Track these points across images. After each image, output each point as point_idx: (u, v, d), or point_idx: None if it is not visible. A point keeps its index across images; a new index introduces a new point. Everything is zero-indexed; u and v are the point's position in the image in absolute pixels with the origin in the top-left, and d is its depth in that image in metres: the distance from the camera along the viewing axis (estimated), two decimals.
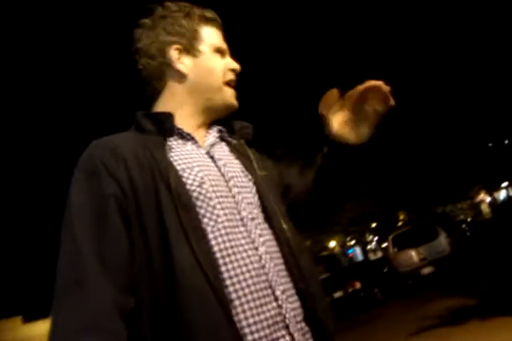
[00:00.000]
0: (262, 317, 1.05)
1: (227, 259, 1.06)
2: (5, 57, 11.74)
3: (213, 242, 1.07)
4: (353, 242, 36.35)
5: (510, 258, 9.99)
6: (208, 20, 1.28)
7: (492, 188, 30.31)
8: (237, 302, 1.04)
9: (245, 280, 1.06)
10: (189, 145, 1.19)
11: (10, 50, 11.77)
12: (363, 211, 20.86)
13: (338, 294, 14.06)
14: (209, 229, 1.08)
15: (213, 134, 1.27)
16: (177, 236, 1.03)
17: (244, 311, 1.04)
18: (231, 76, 1.28)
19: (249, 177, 1.22)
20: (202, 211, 1.09)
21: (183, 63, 1.24)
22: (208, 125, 1.28)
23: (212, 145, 1.24)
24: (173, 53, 1.24)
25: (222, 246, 1.07)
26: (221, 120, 1.30)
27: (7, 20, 11.20)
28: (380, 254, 28.17)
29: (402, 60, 10.67)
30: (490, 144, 17.92)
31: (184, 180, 1.10)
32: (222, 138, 1.29)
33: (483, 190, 31.43)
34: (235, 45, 1.34)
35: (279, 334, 1.06)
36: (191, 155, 1.16)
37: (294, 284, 1.13)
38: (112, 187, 1.06)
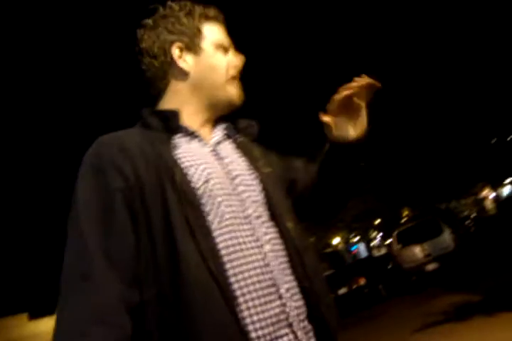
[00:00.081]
0: (266, 314, 1.05)
1: (232, 256, 1.07)
2: (14, 52, 11.80)
3: (218, 239, 1.07)
4: (356, 239, 36.31)
5: None
6: (209, 18, 1.28)
7: (496, 184, 30.21)
8: (241, 300, 1.04)
9: (250, 277, 1.07)
10: (195, 142, 1.20)
11: (20, 46, 11.83)
12: (366, 208, 20.84)
13: (342, 291, 14.07)
14: (214, 226, 1.08)
15: (219, 132, 1.27)
16: (182, 232, 1.03)
17: (248, 308, 1.04)
18: (234, 72, 1.28)
19: (255, 175, 1.22)
20: (207, 208, 1.09)
21: (185, 61, 1.24)
22: (214, 122, 1.28)
23: (218, 143, 1.24)
24: (175, 51, 1.24)
25: (227, 243, 1.08)
26: (227, 117, 1.31)
27: (22, 18, 11.26)
28: (384, 251, 28.11)
29: (407, 55, 10.64)
30: (494, 140, 17.85)
31: (189, 177, 1.10)
32: (228, 136, 1.29)
33: (487, 186, 31.35)
34: (240, 43, 1.34)
35: (282, 332, 1.07)
36: (197, 153, 1.17)
37: (298, 282, 1.14)
38: (118, 183, 1.07)
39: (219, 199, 1.11)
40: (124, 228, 1.04)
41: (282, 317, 1.07)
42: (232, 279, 1.05)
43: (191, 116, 1.23)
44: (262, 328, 1.04)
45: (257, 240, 1.12)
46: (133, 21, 1.35)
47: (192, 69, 1.25)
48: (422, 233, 13.39)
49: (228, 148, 1.25)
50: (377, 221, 28.90)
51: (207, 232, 1.06)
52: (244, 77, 1.31)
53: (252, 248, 1.10)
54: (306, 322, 1.12)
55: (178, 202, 1.05)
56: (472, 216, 30.38)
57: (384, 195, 19.57)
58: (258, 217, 1.15)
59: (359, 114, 1.26)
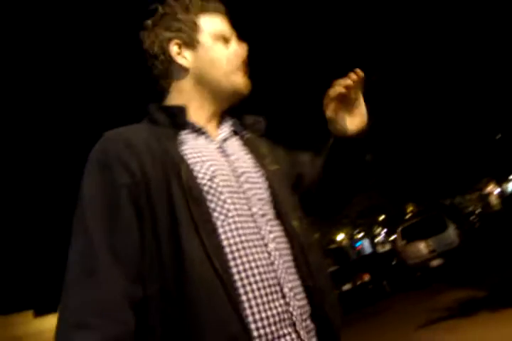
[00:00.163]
0: (269, 313, 1.05)
1: (236, 254, 1.06)
2: (21, 49, 11.86)
3: (223, 236, 1.07)
4: (361, 235, 36.32)
5: None
6: (207, 9, 1.27)
7: (501, 180, 30.09)
8: (244, 298, 1.04)
9: (253, 275, 1.06)
10: (201, 139, 1.20)
11: (28, 43, 11.89)
12: (370, 204, 20.82)
13: (346, 287, 14.10)
14: (219, 223, 1.08)
15: (226, 128, 1.27)
16: (187, 229, 1.03)
17: (251, 307, 1.04)
18: (237, 62, 1.26)
19: (261, 172, 1.22)
20: (212, 205, 1.09)
21: (185, 57, 1.24)
22: (220, 116, 1.28)
23: (225, 139, 1.24)
24: (173, 48, 1.24)
25: (231, 240, 1.07)
26: (233, 112, 1.30)
27: (30, 17, 11.33)
28: (388, 247, 28.13)
29: (412, 50, 10.59)
30: (498, 136, 17.78)
31: (195, 173, 1.10)
32: (235, 132, 1.29)
33: (492, 182, 31.24)
34: (247, 39, 1.32)
35: (285, 331, 1.06)
36: (203, 150, 1.16)
37: (302, 281, 1.13)
38: (124, 179, 1.07)
39: (224, 196, 1.11)
40: (129, 225, 1.05)
41: (285, 316, 1.07)
42: (236, 277, 1.04)
43: (197, 112, 1.22)
44: (264, 327, 1.04)
45: (262, 238, 1.11)
46: (138, 18, 1.35)
47: (192, 64, 1.24)
48: (427, 229, 13.38)
49: (235, 145, 1.25)
50: (382, 217, 28.87)
51: (212, 229, 1.06)
52: (251, 72, 1.30)
53: (257, 246, 1.10)
54: (308, 322, 1.11)
55: (183, 198, 1.05)
56: (477, 211, 30.33)
57: (388, 191, 19.54)
58: (263, 215, 1.15)
59: (357, 106, 1.26)
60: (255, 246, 1.09)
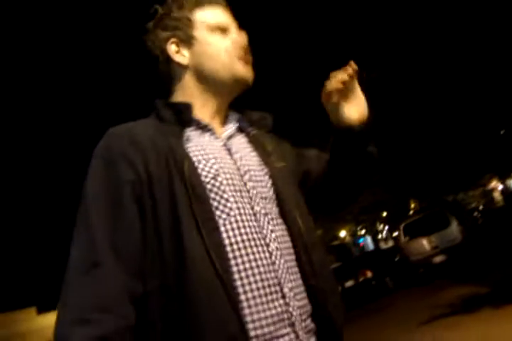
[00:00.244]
0: (268, 313, 1.05)
1: (237, 253, 1.06)
2: (27, 46, 11.91)
3: (224, 235, 1.07)
4: (363, 231, 36.33)
5: None
6: (202, 3, 1.26)
7: (504, 176, 30.05)
8: (243, 297, 1.04)
9: (253, 275, 1.06)
10: (207, 136, 1.19)
11: (36, 41, 11.96)
12: (373, 200, 20.81)
13: (349, 283, 14.12)
14: (221, 221, 1.08)
15: (231, 125, 1.26)
16: (189, 227, 1.03)
17: (249, 306, 1.03)
18: (236, 51, 1.24)
19: (266, 170, 1.21)
20: (215, 203, 1.09)
21: (183, 55, 1.24)
22: (225, 112, 1.27)
23: (230, 136, 1.23)
24: (171, 47, 1.24)
25: (233, 239, 1.07)
26: (239, 108, 1.29)
27: (39, 16, 11.40)
28: (391, 243, 28.12)
29: (413, 46, 10.55)
30: (502, 131, 17.74)
31: (199, 171, 1.10)
32: (240, 129, 1.28)
33: (495, 178, 31.21)
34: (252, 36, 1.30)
35: (284, 331, 1.06)
36: (208, 147, 1.16)
37: (304, 281, 1.13)
38: (129, 175, 1.07)
39: (227, 195, 1.10)
40: (131, 222, 1.05)
41: (285, 316, 1.06)
42: (236, 276, 1.04)
43: (201, 108, 1.22)
44: (262, 327, 1.03)
45: (264, 238, 1.11)
46: (142, 18, 1.34)
47: (190, 61, 1.24)
48: (430, 225, 13.38)
49: (240, 143, 1.24)
50: (385, 213, 28.86)
51: (213, 228, 1.05)
52: (258, 68, 1.28)
53: (258, 245, 1.09)
54: (308, 322, 1.11)
55: (186, 196, 1.05)
56: (480, 208, 30.32)
57: (391, 187, 19.52)
58: (266, 214, 1.14)
59: (355, 96, 1.25)
60: (256, 246, 1.09)
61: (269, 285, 1.07)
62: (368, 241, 38.02)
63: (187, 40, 1.24)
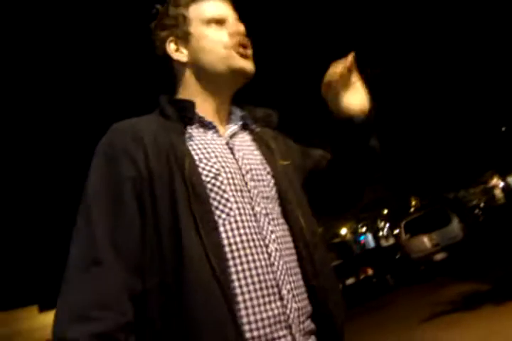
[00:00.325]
0: (264, 315, 1.04)
1: (235, 254, 1.05)
2: (29, 44, 11.92)
3: (224, 235, 1.06)
4: (364, 229, 36.33)
5: None
6: None
7: (505, 173, 30.00)
8: (240, 298, 1.03)
9: (251, 276, 1.05)
10: (209, 134, 1.18)
11: (39, 39, 11.96)
12: (374, 197, 20.79)
13: (350, 281, 14.10)
14: (220, 221, 1.07)
15: (235, 122, 1.25)
16: (188, 226, 1.02)
17: (246, 308, 1.03)
18: (233, 42, 1.22)
19: (268, 169, 1.20)
20: (215, 203, 1.08)
21: (182, 52, 1.24)
22: (228, 109, 1.26)
23: (234, 134, 1.22)
24: (170, 46, 1.24)
25: (232, 240, 1.06)
26: (243, 105, 1.28)
27: (42, 15, 11.41)
28: (392, 241, 28.11)
29: (416, 43, 10.52)
30: (503, 128, 17.70)
31: (200, 170, 1.09)
32: (244, 127, 1.26)
33: (496, 175, 31.18)
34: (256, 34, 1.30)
35: (280, 333, 1.05)
36: (210, 145, 1.15)
37: (306, 281, 1.12)
38: (130, 172, 1.07)
39: (227, 195, 1.10)
40: (132, 219, 1.05)
41: (282, 318, 1.06)
42: (234, 277, 1.04)
43: (203, 105, 1.21)
44: (258, 329, 1.03)
45: (263, 239, 1.10)
46: (144, 18, 1.34)
47: (189, 58, 1.24)
48: (431, 222, 13.37)
49: (243, 141, 1.23)
50: (386, 211, 28.85)
51: (212, 227, 1.05)
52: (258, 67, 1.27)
53: (257, 246, 1.08)
54: (308, 322, 1.10)
55: (186, 195, 1.05)
56: (481, 205, 30.30)
57: (392, 185, 19.51)
58: (266, 215, 1.13)
59: (355, 85, 1.24)
60: (255, 247, 1.08)
61: (266, 287, 1.06)
62: (369, 239, 38.02)
63: (184, 37, 1.23)
